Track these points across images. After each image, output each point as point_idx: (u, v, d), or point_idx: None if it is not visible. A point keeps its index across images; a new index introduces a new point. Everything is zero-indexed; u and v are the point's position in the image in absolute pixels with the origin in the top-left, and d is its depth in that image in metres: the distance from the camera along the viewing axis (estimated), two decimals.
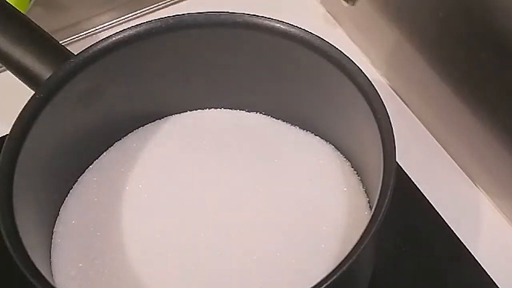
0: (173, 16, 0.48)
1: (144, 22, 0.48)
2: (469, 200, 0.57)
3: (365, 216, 0.48)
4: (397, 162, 0.42)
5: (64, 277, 0.47)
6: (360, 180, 0.50)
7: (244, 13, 0.48)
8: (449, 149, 0.59)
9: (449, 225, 0.54)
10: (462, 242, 0.54)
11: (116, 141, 0.53)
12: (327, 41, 0.47)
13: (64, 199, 0.51)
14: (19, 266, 0.40)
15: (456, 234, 0.54)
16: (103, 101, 0.50)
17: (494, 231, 0.55)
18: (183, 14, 0.48)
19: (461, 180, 0.57)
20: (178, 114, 0.55)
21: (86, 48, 0.47)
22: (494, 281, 0.52)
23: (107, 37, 0.48)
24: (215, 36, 0.49)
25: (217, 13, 0.48)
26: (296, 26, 0.47)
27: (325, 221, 0.48)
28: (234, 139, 0.53)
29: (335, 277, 0.38)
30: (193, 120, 0.54)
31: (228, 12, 0.48)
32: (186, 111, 0.55)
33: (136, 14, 0.68)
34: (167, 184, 0.51)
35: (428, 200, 0.56)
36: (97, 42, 0.47)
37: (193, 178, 0.51)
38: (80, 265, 0.47)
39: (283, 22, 0.47)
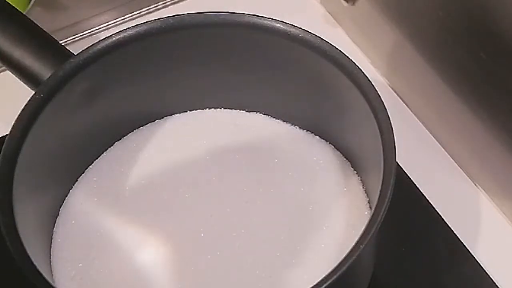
0: (173, 16, 0.48)
1: (144, 22, 0.48)
2: (469, 200, 0.57)
3: (365, 216, 0.48)
4: (397, 162, 0.42)
5: (64, 277, 0.47)
6: (360, 180, 0.50)
7: (244, 13, 0.48)
8: (449, 149, 0.59)
9: (449, 225, 0.54)
10: (462, 242, 0.54)
11: (116, 141, 0.53)
12: (327, 41, 0.47)
13: (64, 199, 0.51)
14: (19, 266, 0.40)
15: (456, 234, 0.54)
16: (103, 101, 0.50)
17: (494, 231, 0.55)
18: (183, 14, 0.48)
19: (461, 180, 0.57)
20: (178, 114, 0.55)
21: (86, 48, 0.47)
22: (494, 281, 0.52)
23: (107, 37, 0.48)
24: (215, 36, 0.49)
25: (217, 13, 0.48)
26: (296, 26, 0.47)
27: (325, 221, 0.48)
28: (234, 139, 0.53)
29: (335, 277, 0.38)
30: (193, 120, 0.54)
31: (228, 12, 0.48)
32: (186, 111, 0.55)
33: (136, 14, 0.68)
34: (167, 184, 0.51)
35: (428, 200, 0.56)
36: (97, 42, 0.47)
37: (192, 178, 0.51)
38: (80, 265, 0.47)
39: (283, 22, 0.47)
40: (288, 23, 0.47)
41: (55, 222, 0.49)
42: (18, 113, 0.45)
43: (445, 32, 0.53)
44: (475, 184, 0.57)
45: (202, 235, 0.48)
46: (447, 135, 0.59)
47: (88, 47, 0.47)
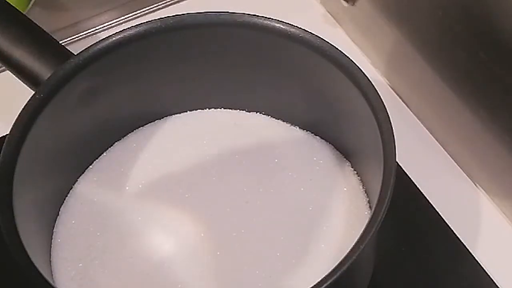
0: (173, 16, 0.48)
1: (144, 22, 0.48)
2: (469, 200, 0.57)
3: (365, 216, 0.48)
4: (397, 162, 0.42)
5: (64, 277, 0.47)
6: (360, 180, 0.50)
7: (244, 13, 0.48)
8: (449, 149, 0.59)
9: (449, 225, 0.54)
10: (462, 242, 0.54)
11: (116, 141, 0.53)
12: (327, 41, 0.47)
13: (64, 199, 0.51)
14: (19, 266, 0.40)
15: (456, 234, 0.54)
16: (103, 101, 0.50)
17: (494, 231, 0.55)
18: (183, 14, 0.48)
19: (461, 180, 0.57)
20: (178, 114, 0.55)
21: (86, 48, 0.47)
22: (494, 281, 0.52)
23: (107, 37, 0.48)
24: (215, 36, 0.49)
25: (217, 13, 0.48)
26: (296, 26, 0.47)
27: (325, 221, 0.48)
28: (234, 139, 0.53)
29: (335, 277, 0.38)
30: (193, 120, 0.54)
31: (228, 12, 0.48)
32: (186, 111, 0.55)
33: (136, 14, 0.68)
34: (167, 184, 0.51)
35: (428, 200, 0.56)
36: (97, 42, 0.47)
37: (193, 178, 0.51)
38: (80, 265, 0.47)
39: (283, 22, 0.47)
40: (288, 23, 0.47)
41: (55, 221, 0.49)
42: (18, 113, 0.45)
43: (445, 32, 0.53)
44: (475, 184, 0.57)
45: (202, 235, 0.48)
46: (447, 135, 0.59)
47: (88, 47, 0.47)
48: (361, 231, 0.40)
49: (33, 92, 0.46)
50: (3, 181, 0.43)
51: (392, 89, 0.63)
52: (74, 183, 0.51)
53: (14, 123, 0.44)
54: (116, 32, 0.48)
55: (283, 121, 0.54)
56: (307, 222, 0.48)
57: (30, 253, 0.40)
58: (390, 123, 0.43)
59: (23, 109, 0.45)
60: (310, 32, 0.47)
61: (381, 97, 0.44)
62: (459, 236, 0.54)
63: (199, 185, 0.51)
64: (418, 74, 0.58)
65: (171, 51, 0.50)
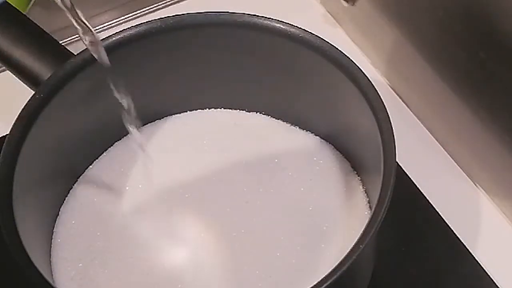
0: (173, 16, 0.48)
1: (144, 22, 0.48)
2: (469, 200, 0.57)
3: (365, 216, 0.48)
4: (397, 162, 0.42)
5: (64, 277, 0.47)
6: (360, 180, 0.50)
7: (244, 13, 0.48)
8: (449, 149, 0.59)
9: (449, 225, 0.54)
10: (462, 242, 0.54)
11: (116, 141, 0.53)
12: (327, 41, 0.47)
13: (64, 199, 0.51)
14: (19, 266, 0.40)
15: (456, 234, 0.54)
16: (103, 101, 0.50)
17: (494, 231, 0.55)
18: (183, 14, 0.48)
19: (461, 180, 0.57)
20: (178, 114, 0.55)
21: (86, 48, 0.47)
22: (494, 281, 0.52)
23: (107, 37, 0.48)
24: (215, 36, 0.49)
25: (217, 13, 0.48)
26: (296, 26, 0.47)
27: (325, 221, 0.48)
28: (234, 139, 0.53)
29: (335, 277, 0.38)
30: (193, 120, 0.54)
31: (228, 12, 0.48)
32: (186, 111, 0.55)
33: (136, 14, 0.68)
34: (167, 184, 0.51)
35: (428, 200, 0.56)
36: None
37: (193, 178, 0.51)
38: (80, 265, 0.47)
39: (283, 22, 0.47)
40: (288, 23, 0.47)
41: (55, 222, 0.49)
42: (18, 113, 0.45)
43: (445, 32, 0.53)
44: (475, 184, 0.57)
45: (202, 235, 0.48)
46: (447, 135, 0.59)
47: None
48: (361, 231, 0.40)
49: (33, 92, 0.46)
50: (3, 181, 0.43)
51: (392, 89, 0.63)
52: (74, 183, 0.51)
53: (14, 123, 0.44)
54: (116, 32, 0.48)
55: (283, 121, 0.54)
56: (307, 222, 0.48)
57: (30, 253, 0.40)
58: (390, 123, 0.43)
59: (23, 109, 0.45)
60: (310, 32, 0.47)
61: (381, 97, 0.44)
62: (459, 236, 0.54)
63: (199, 185, 0.51)
64: (418, 74, 0.58)
65: (171, 51, 0.50)
